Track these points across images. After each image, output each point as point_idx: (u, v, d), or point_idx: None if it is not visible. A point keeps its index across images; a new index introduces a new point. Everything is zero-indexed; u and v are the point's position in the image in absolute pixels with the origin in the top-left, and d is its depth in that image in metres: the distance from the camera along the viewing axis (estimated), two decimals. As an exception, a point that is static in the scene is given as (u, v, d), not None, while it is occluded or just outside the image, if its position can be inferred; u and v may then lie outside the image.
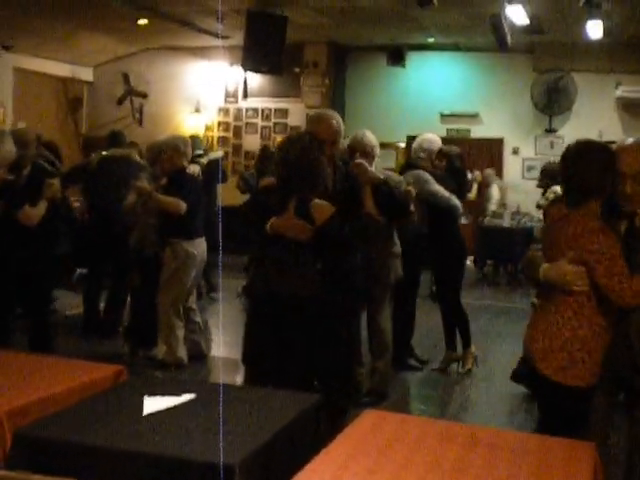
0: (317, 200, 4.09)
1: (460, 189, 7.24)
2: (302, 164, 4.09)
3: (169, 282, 6.72)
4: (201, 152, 10.01)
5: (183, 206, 6.56)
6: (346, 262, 4.33)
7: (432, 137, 7.25)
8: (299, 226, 4.07)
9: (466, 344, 7.24)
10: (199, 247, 6.81)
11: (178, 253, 6.68)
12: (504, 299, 11.41)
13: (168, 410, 2.98)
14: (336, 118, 4.52)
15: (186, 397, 3.09)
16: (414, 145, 7.20)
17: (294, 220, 4.08)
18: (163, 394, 3.10)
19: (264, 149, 10.67)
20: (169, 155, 6.69)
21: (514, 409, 6.33)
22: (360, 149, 5.70)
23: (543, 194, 9.90)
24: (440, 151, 7.02)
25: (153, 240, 6.75)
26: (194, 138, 10.51)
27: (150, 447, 2.65)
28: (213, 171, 9.70)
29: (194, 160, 8.71)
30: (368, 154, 5.70)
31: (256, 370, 4.56)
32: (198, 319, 7.26)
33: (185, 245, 6.70)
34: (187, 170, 7.12)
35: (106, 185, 7.95)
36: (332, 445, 2.68)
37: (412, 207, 5.62)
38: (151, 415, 2.93)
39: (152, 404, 3.00)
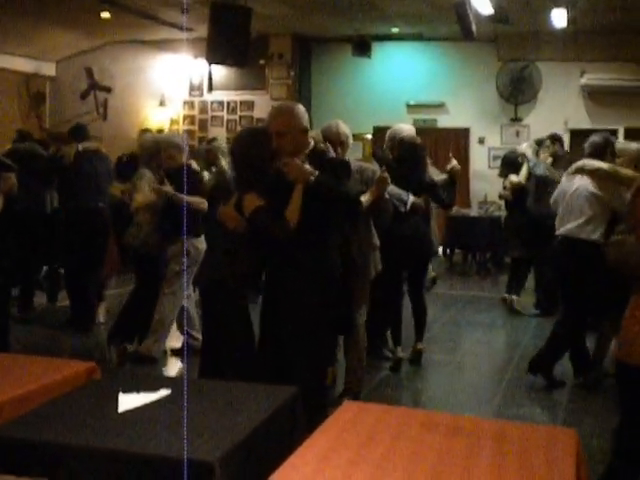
0: (249, 193, 4.19)
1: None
2: (243, 159, 4.28)
3: (176, 279, 6.78)
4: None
5: (206, 204, 6.55)
6: (292, 263, 4.29)
7: (399, 127, 7.20)
8: (232, 217, 4.31)
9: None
10: (203, 243, 6.77)
11: (189, 250, 6.70)
12: (474, 288, 11.43)
13: (143, 407, 2.92)
14: (289, 109, 4.38)
15: (161, 393, 3.04)
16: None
17: (230, 211, 4.33)
18: (138, 390, 3.04)
19: None
20: (170, 153, 6.66)
21: (488, 397, 6.33)
22: (334, 139, 5.65)
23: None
24: (402, 141, 6.90)
25: (156, 239, 6.70)
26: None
27: (125, 445, 2.59)
28: None
29: None
30: (343, 144, 5.67)
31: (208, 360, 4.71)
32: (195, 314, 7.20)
33: (195, 242, 6.74)
34: (191, 166, 7.02)
35: (85, 179, 7.87)
36: (312, 438, 2.63)
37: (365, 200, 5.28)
38: (126, 412, 2.87)
39: (127, 401, 2.94)
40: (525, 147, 9.77)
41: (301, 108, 4.40)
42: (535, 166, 9.19)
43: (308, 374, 4.15)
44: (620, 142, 6.75)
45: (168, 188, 6.51)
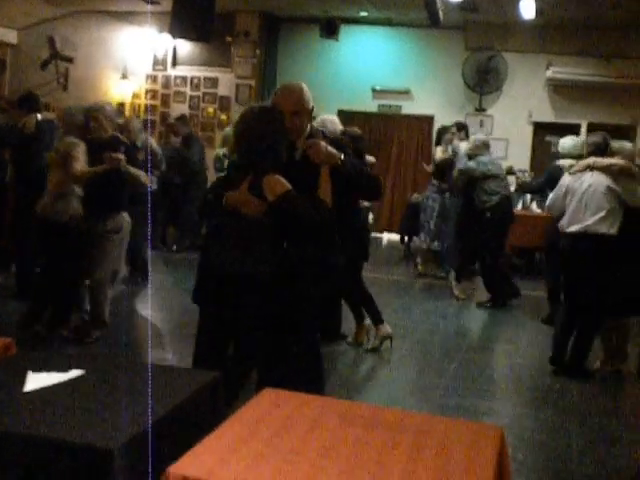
0: (271, 175, 3.86)
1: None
2: (258, 138, 3.89)
3: (111, 254, 6.53)
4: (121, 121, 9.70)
5: (146, 177, 6.39)
6: (314, 247, 4.09)
7: (334, 118, 7.11)
8: (250, 202, 3.88)
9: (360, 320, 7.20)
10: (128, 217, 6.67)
11: (122, 224, 6.51)
12: (429, 275, 11.35)
13: (51, 388, 2.77)
14: (299, 88, 4.23)
15: (74, 373, 2.89)
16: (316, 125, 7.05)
17: (246, 195, 3.89)
18: (49, 370, 2.89)
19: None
20: (101, 122, 6.39)
21: (431, 386, 6.26)
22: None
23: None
24: (344, 132, 6.82)
25: (80, 212, 6.42)
26: (105, 104, 10.27)
27: (22, 427, 2.44)
28: None
29: None
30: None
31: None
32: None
33: (125, 216, 6.56)
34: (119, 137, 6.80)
35: (45, 150, 7.67)
36: (223, 427, 2.50)
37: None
38: (33, 393, 2.72)
39: (34, 381, 2.79)
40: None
41: (307, 88, 4.29)
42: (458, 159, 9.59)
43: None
44: (615, 142, 6.96)
45: (122, 157, 6.32)
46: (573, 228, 6.52)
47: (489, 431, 2.66)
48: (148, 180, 6.19)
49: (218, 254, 3.99)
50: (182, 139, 11.57)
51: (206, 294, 4.04)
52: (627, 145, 7.06)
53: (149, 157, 9.43)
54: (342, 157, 4.11)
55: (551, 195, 7.07)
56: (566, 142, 8.38)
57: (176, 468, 2.19)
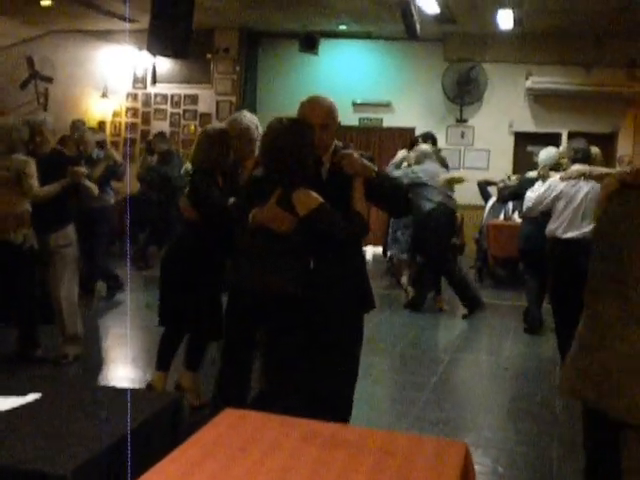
0: (302, 190, 3.74)
1: None
2: (289, 151, 3.74)
3: (72, 269, 6.44)
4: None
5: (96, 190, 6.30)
6: (344, 263, 3.97)
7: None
8: (279, 217, 3.75)
9: None
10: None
11: (71, 239, 6.41)
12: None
13: (7, 412, 2.71)
14: (329, 101, 4.09)
15: (30, 397, 2.83)
16: None
17: (275, 210, 3.76)
18: (6, 393, 2.83)
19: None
20: (46, 136, 6.26)
21: (411, 399, 6.20)
22: (242, 133, 5.42)
23: None
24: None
25: (29, 230, 6.18)
26: (76, 121, 10.22)
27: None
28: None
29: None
30: (252, 139, 5.42)
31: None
32: None
33: (72, 229, 6.45)
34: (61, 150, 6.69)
35: None
36: (179, 450, 2.44)
37: None
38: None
39: (-10, 405, 2.73)
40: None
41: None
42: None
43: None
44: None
45: (84, 171, 6.26)
46: (570, 234, 6.64)
47: (453, 447, 2.61)
48: (95, 192, 6.12)
49: (243, 272, 3.89)
50: (160, 156, 11.47)
51: (235, 313, 3.98)
52: (597, 150, 7.41)
53: (118, 169, 9.37)
54: (376, 170, 3.99)
55: (534, 196, 7.24)
56: (541, 154, 8.39)
57: (125, 495, 2.13)
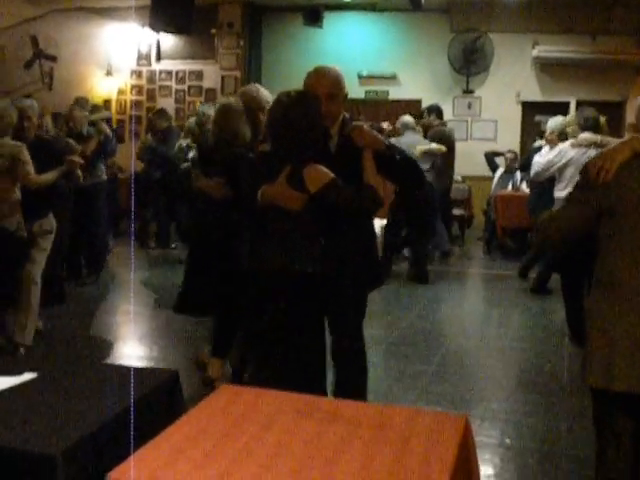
0: (312, 165, 3.61)
1: None
2: (297, 126, 3.59)
3: (42, 256, 6.22)
4: (85, 113, 9.52)
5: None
6: (355, 238, 3.93)
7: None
8: (290, 194, 3.63)
9: None
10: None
11: (53, 225, 6.27)
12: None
13: (1, 391, 2.69)
14: (335, 70, 3.97)
15: (26, 377, 2.81)
16: None
17: (284, 187, 3.63)
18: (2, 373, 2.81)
19: None
20: (33, 121, 6.07)
21: (416, 374, 6.18)
22: (254, 105, 5.39)
23: None
24: None
25: (20, 216, 5.94)
26: (79, 99, 10.12)
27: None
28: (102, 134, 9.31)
29: None
30: (263, 109, 5.38)
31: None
32: None
33: (52, 217, 6.30)
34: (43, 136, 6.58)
35: None
36: (173, 426, 2.41)
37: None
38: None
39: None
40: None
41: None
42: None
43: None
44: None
45: (81, 160, 6.19)
46: None
47: (451, 420, 2.57)
48: (81, 179, 6.08)
49: (262, 253, 3.77)
50: (160, 134, 11.29)
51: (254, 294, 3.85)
52: (603, 119, 7.34)
53: (110, 144, 9.27)
54: (387, 143, 3.88)
55: (544, 161, 7.28)
56: (549, 122, 8.33)
57: (116, 473, 2.10)
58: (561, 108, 13.60)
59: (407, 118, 9.96)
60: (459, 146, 11.68)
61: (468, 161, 13.34)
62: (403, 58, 14.82)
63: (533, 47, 14.03)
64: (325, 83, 3.86)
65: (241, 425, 2.44)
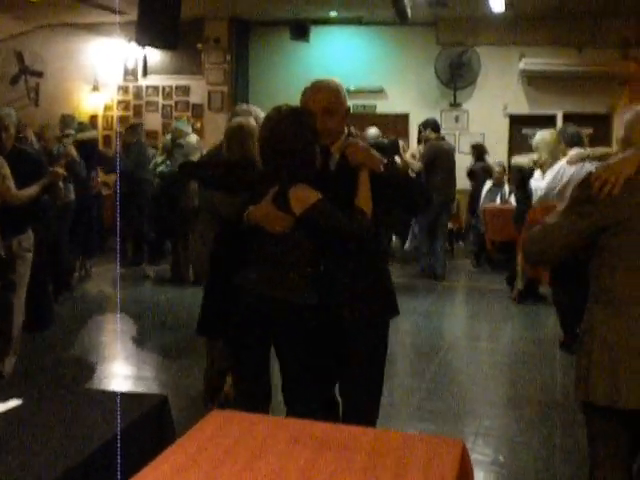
0: (299, 185, 3.39)
1: None
2: (287, 144, 3.38)
3: (23, 281, 5.88)
4: (71, 132, 9.38)
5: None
6: (359, 262, 3.57)
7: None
8: (275, 215, 3.41)
9: None
10: None
11: (32, 242, 5.91)
12: (407, 275, 11.22)
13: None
14: (333, 83, 3.66)
15: (11, 404, 2.74)
16: None
17: (270, 208, 3.42)
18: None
19: None
20: (11, 133, 5.72)
21: (410, 389, 6.12)
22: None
23: None
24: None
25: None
26: (65, 116, 10.00)
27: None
28: (88, 154, 9.16)
29: (61, 140, 8.34)
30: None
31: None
32: None
33: (31, 234, 5.96)
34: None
35: None
36: (164, 454, 2.34)
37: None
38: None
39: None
40: None
41: (342, 85, 3.71)
42: None
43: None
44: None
45: (64, 172, 6.06)
46: None
47: (448, 445, 2.51)
48: (63, 194, 5.96)
49: (246, 277, 3.54)
50: (125, 148, 11.04)
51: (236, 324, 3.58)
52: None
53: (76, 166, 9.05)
54: (385, 162, 3.53)
55: (544, 185, 7.25)
56: (536, 137, 8.29)
57: (105, 506, 2.04)
58: (548, 121, 13.64)
59: (373, 131, 9.88)
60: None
61: (456, 174, 13.31)
62: (390, 72, 14.82)
63: (520, 60, 14.07)
64: (320, 98, 3.58)
65: (233, 453, 2.37)
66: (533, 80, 14.30)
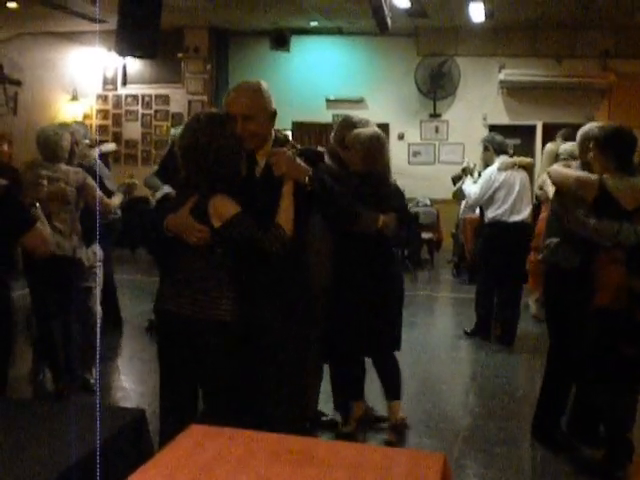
0: (219, 196, 3.26)
1: None
2: (204, 152, 3.26)
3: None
4: (88, 142, 9.29)
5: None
6: (273, 276, 3.45)
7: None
8: (191, 226, 3.27)
9: None
10: None
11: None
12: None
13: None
14: (254, 86, 3.53)
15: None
16: None
17: (186, 219, 3.28)
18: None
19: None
20: (3, 147, 5.88)
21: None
22: None
23: None
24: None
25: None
26: (80, 125, 9.90)
27: None
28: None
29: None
30: None
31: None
32: None
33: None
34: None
35: None
36: (141, 470, 2.30)
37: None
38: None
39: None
40: None
41: (267, 87, 3.58)
42: None
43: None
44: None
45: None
46: (516, 218, 7.48)
47: (430, 460, 2.49)
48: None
49: (166, 292, 3.40)
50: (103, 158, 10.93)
51: (162, 337, 3.44)
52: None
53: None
54: (311, 173, 3.39)
55: (478, 189, 7.69)
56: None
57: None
58: (528, 131, 13.70)
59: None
60: (427, 170, 11.60)
61: (436, 184, 13.35)
62: (370, 82, 14.83)
63: (499, 71, 14.13)
64: (238, 102, 3.45)
65: (211, 469, 2.32)
66: (513, 91, 14.35)
